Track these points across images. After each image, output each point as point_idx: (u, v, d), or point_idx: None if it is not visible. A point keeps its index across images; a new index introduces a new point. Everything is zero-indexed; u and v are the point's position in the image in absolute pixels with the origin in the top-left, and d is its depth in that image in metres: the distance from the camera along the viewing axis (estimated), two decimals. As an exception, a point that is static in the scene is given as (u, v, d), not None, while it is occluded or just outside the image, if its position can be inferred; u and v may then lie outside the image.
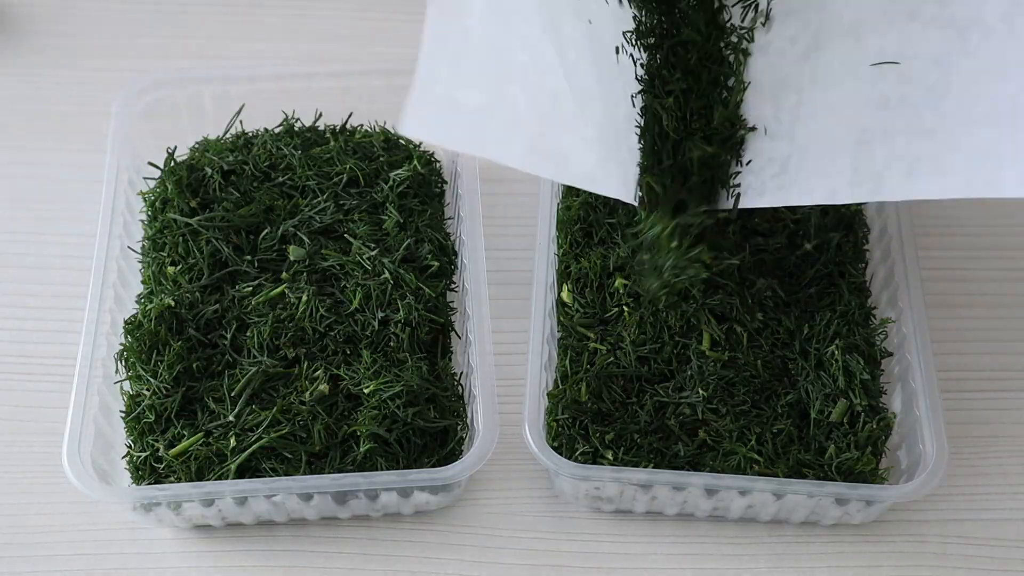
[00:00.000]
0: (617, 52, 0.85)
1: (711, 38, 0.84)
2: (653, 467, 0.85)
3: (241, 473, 0.84)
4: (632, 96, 0.85)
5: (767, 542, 0.89)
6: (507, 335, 0.94)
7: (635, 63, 0.85)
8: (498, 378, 0.87)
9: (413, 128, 0.86)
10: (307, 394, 0.87)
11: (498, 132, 0.86)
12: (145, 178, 0.98)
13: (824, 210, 0.94)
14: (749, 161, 0.85)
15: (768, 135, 0.85)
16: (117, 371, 0.89)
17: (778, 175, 0.85)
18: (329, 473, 0.84)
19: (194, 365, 0.88)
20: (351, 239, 0.93)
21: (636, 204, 0.87)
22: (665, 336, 0.89)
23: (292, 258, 0.92)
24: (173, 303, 0.89)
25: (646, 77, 0.85)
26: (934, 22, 0.79)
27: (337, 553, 0.88)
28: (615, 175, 0.87)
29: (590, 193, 0.96)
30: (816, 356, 0.88)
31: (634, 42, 0.84)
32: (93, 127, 1.06)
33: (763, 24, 0.83)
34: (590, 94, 0.86)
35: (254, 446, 0.84)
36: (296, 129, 1.00)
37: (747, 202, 0.85)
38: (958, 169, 0.79)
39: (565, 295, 0.92)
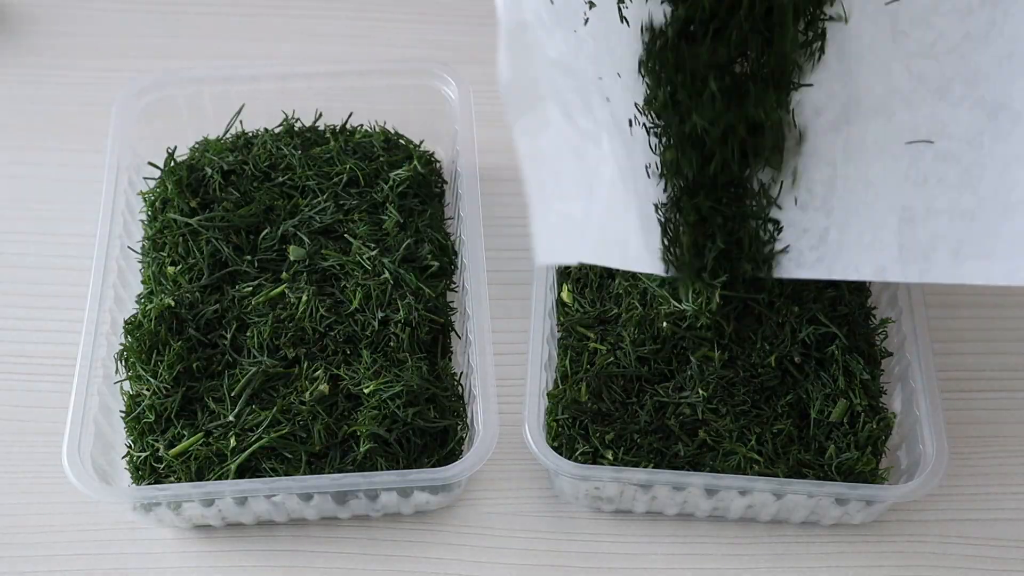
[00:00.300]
0: (631, 124, 0.84)
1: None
2: (653, 467, 0.85)
3: (241, 473, 0.84)
4: (647, 167, 0.84)
5: (767, 542, 0.89)
6: (507, 335, 0.94)
7: (648, 132, 0.84)
8: (498, 378, 0.87)
9: (548, 257, 0.75)
10: (307, 394, 0.86)
11: (594, 235, 0.79)
12: (145, 178, 0.97)
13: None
14: (780, 229, 0.84)
15: (799, 206, 0.84)
16: (117, 371, 0.89)
17: (816, 247, 0.83)
18: (329, 473, 0.84)
19: (194, 365, 0.88)
20: (351, 239, 0.93)
21: (664, 274, 0.85)
22: (664, 336, 0.89)
23: (292, 258, 0.92)
24: (173, 303, 0.89)
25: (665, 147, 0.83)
26: (964, 102, 0.77)
27: (337, 553, 0.88)
28: (647, 248, 0.84)
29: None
30: (816, 356, 0.88)
31: (645, 112, 0.83)
32: (93, 127, 1.06)
33: None
34: (625, 174, 0.83)
35: (254, 446, 0.84)
36: (296, 129, 1.00)
37: (783, 272, 0.84)
38: (1000, 255, 0.77)
39: (565, 295, 0.92)
